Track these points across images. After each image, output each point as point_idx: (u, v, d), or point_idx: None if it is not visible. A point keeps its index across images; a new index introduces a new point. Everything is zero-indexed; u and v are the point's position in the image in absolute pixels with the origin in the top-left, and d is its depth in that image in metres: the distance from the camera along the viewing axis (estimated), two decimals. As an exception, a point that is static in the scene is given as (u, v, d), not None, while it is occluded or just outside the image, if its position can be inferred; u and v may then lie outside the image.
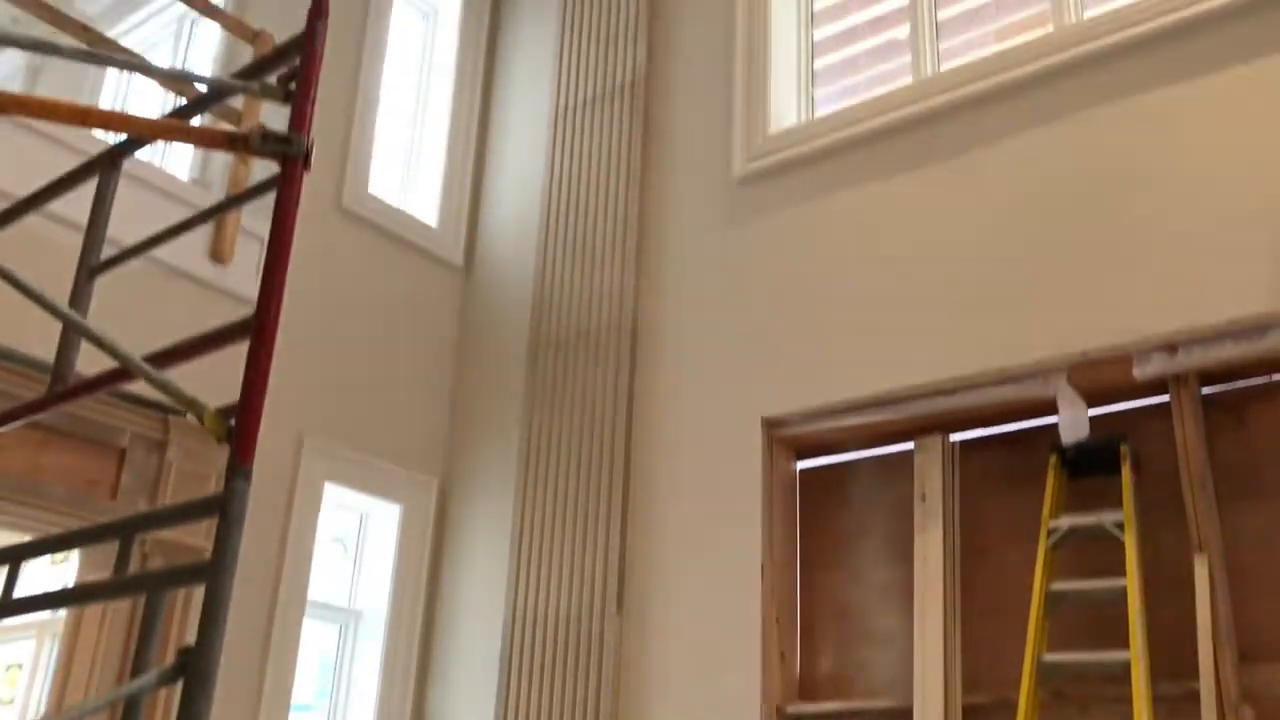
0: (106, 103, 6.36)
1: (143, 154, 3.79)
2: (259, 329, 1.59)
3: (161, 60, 6.44)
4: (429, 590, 5.16)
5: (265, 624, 4.48)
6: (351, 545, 5.22)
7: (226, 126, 4.18)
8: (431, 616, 5.15)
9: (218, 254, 4.57)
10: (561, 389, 5.02)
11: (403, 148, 5.85)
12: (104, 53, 2.38)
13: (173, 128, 1.76)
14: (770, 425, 4.42)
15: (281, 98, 1.66)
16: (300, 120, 1.64)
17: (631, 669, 4.47)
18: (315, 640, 4.95)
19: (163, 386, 1.56)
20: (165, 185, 4.51)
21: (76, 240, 2.12)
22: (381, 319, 5.26)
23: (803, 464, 4.51)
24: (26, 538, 5.31)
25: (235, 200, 1.86)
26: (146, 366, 1.59)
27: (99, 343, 1.61)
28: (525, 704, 4.61)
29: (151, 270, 4.29)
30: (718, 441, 4.53)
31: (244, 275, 4.66)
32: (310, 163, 1.66)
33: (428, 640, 5.10)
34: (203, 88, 3.01)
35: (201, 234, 4.58)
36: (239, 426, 1.53)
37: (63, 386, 1.89)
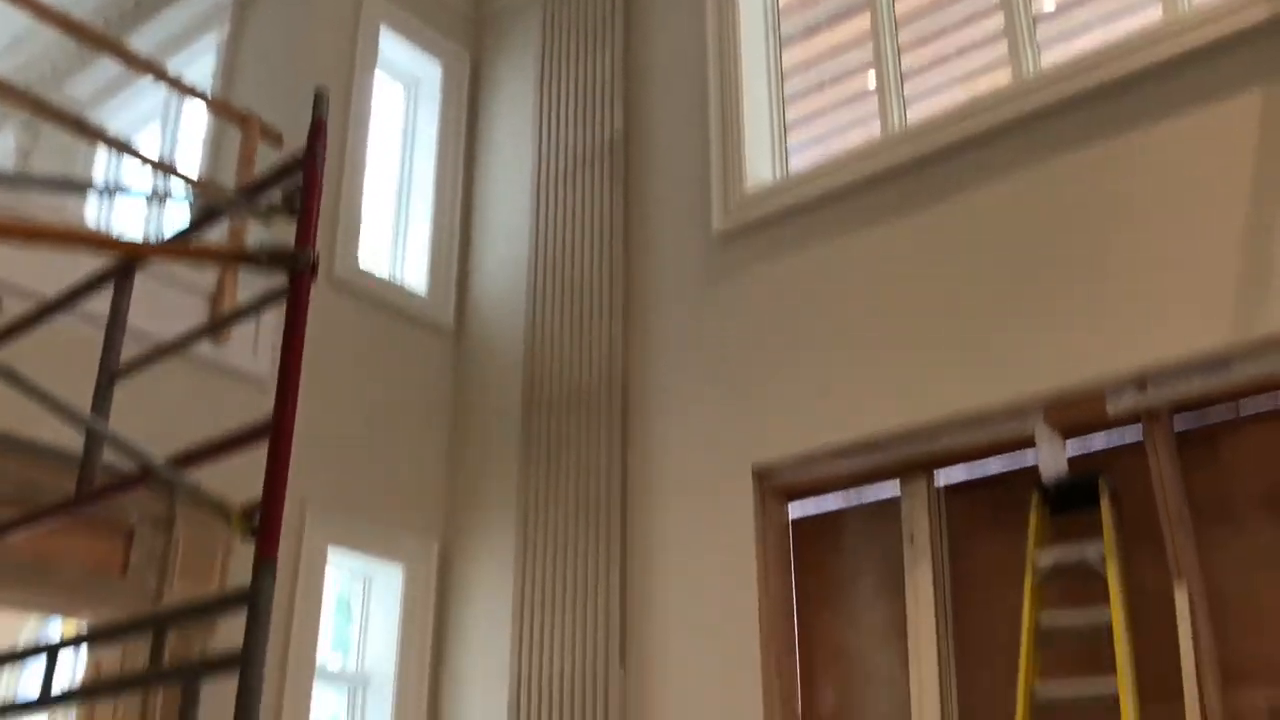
0: (97, 209, 6.48)
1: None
2: (276, 430, 1.71)
3: (150, 140, 6.60)
4: (434, 650, 5.25)
5: (276, 692, 4.56)
6: (356, 609, 5.31)
7: (224, 245, 4.31)
8: (438, 677, 5.23)
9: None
10: (555, 447, 5.14)
11: (389, 218, 6.00)
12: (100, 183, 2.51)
13: (182, 250, 1.88)
14: (760, 474, 4.55)
15: (286, 214, 1.79)
16: (305, 235, 1.77)
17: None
18: (324, 705, 5.03)
19: (190, 492, 1.68)
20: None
21: (90, 333, 2.23)
22: (377, 385, 5.38)
23: (795, 512, 4.63)
24: (35, 620, 5.40)
25: (247, 310, 1.98)
26: (173, 474, 1.71)
27: (127, 450, 1.73)
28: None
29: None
30: (710, 491, 4.65)
31: (242, 351, 4.79)
32: (317, 273, 1.80)
33: (435, 701, 5.18)
34: (201, 197, 3.14)
35: (198, 312, 4.70)
36: (263, 522, 1.65)
37: (89, 486, 2.01)
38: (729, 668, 4.36)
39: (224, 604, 1.65)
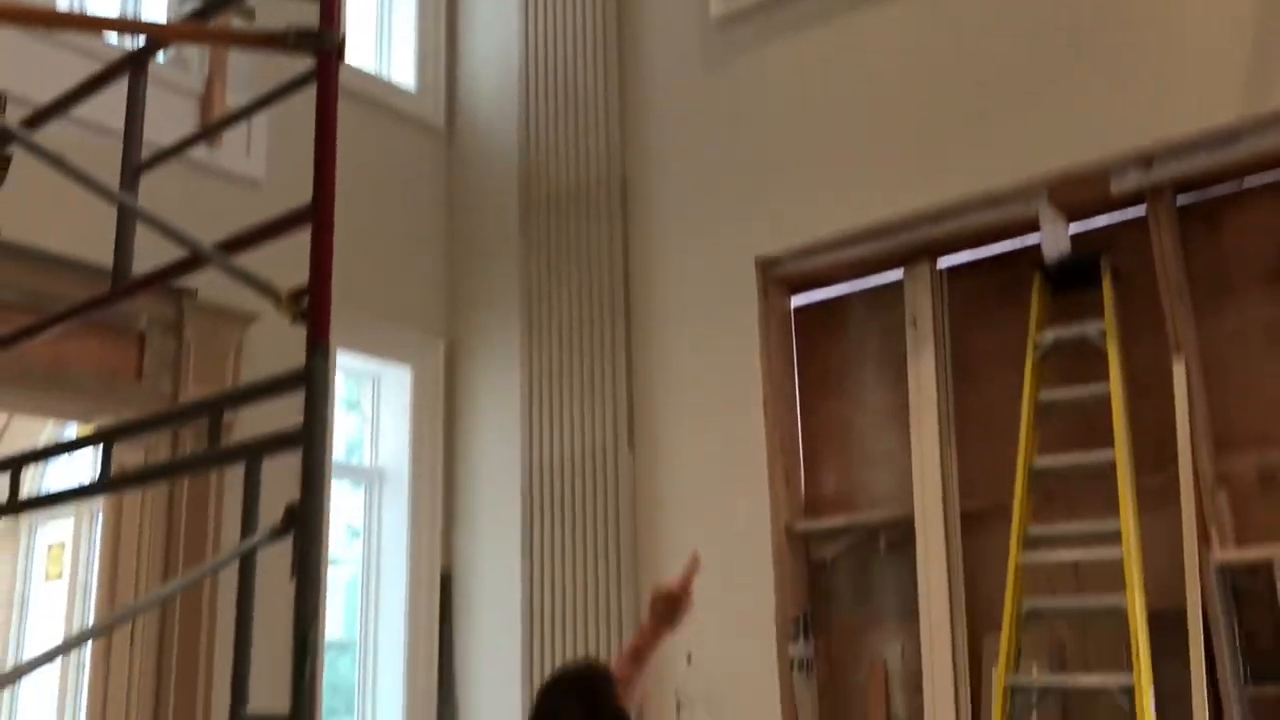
0: None
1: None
2: (317, 214, 1.72)
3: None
4: (446, 445, 5.39)
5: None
6: (367, 409, 5.42)
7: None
8: (452, 469, 5.39)
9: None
10: (556, 244, 5.14)
11: (374, 13, 5.81)
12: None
13: (207, 32, 1.84)
14: (764, 264, 4.58)
15: (306, -8, 1.74)
16: (330, 15, 1.73)
17: (646, 501, 4.73)
18: (342, 504, 5.19)
19: (238, 274, 1.70)
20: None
21: (101, 142, 2.19)
22: (370, 186, 5.32)
23: (797, 300, 4.69)
24: (53, 425, 5.49)
25: (272, 96, 1.95)
26: (220, 255, 1.72)
27: (173, 234, 1.73)
28: (548, 541, 4.89)
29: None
30: (714, 283, 4.70)
31: (235, 153, 4.71)
32: (344, 55, 1.76)
33: (450, 491, 5.36)
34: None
35: (190, 115, 4.61)
36: (312, 306, 1.67)
37: (124, 281, 2.02)
38: (735, 449, 4.50)
39: (281, 385, 1.69)
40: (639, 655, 2.43)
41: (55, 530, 5.75)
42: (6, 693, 5.43)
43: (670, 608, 2.45)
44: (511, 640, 4.95)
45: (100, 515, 4.80)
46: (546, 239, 5.18)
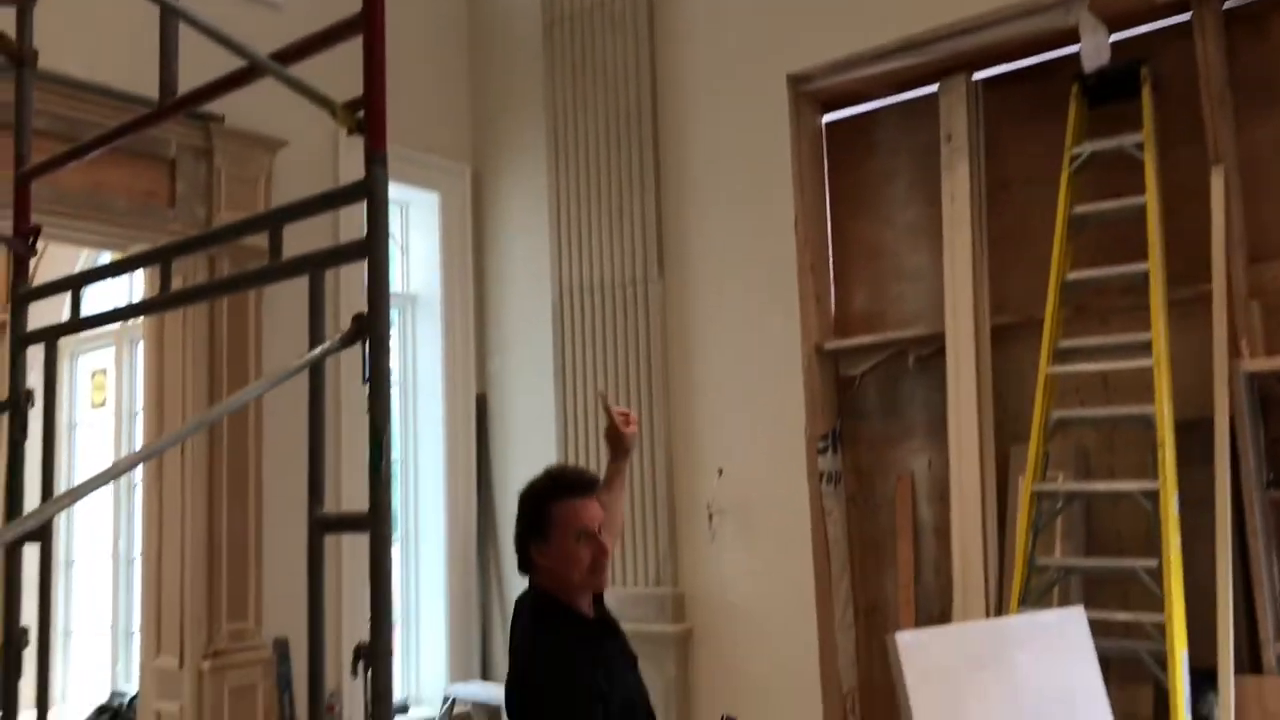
0: None
1: None
2: (368, 23, 1.71)
3: None
4: (476, 271, 5.43)
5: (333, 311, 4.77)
6: (397, 234, 5.44)
7: None
8: (482, 295, 5.45)
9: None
10: (580, 64, 5.06)
11: None
12: None
13: None
14: (795, 81, 4.50)
15: None
16: None
17: (676, 325, 4.79)
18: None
19: (295, 84, 1.70)
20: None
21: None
22: (391, 10, 5.19)
23: (828, 117, 4.63)
24: (90, 251, 5.53)
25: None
26: (278, 66, 1.72)
27: (226, 43, 1.73)
28: (579, 364, 4.98)
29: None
30: (744, 101, 4.63)
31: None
32: None
33: (481, 316, 5.44)
34: None
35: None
36: (368, 117, 1.68)
37: (172, 98, 2.01)
38: (765, 269, 4.53)
39: (342, 197, 1.71)
40: (610, 483, 2.65)
41: (97, 359, 5.87)
42: (63, 518, 5.65)
43: (615, 441, 2.70)
44: (546, 460, 5.10)
45: (141, 342, 4.89)
46: (570, 58, 5.09)
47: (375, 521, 1.64)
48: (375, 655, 1.64)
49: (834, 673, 4.31)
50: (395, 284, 5.41)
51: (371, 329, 1.66)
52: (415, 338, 5.37)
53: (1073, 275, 3.81)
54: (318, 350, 1.68)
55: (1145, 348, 3.57)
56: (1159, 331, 3.53)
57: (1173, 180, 3.77)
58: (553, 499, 2.36)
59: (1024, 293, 4.04)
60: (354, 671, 1.69)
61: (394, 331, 5.37)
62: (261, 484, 4.39)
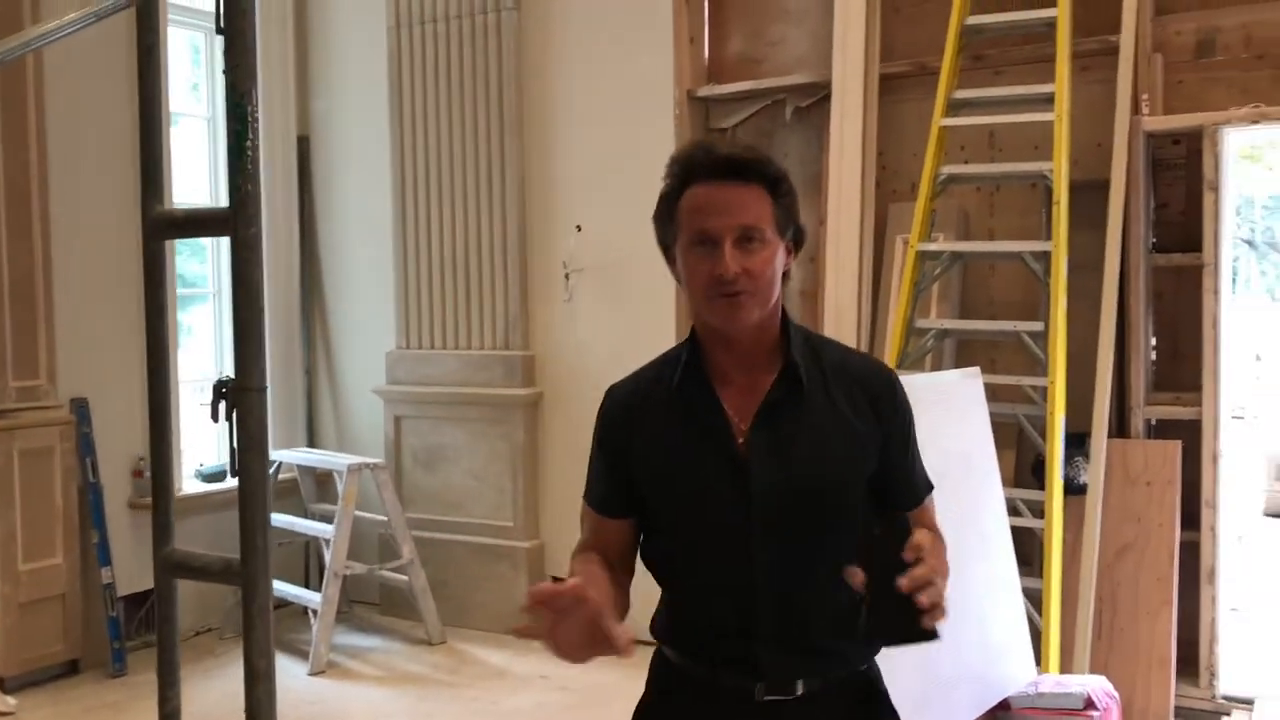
0: None
1: None
2: None
3: None
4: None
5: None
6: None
7: None
8: (304, 25, 4.80)
9: None
10: None
11: None
12: None
13: None
14: None
15: None
16: None
17: (532, 63, 4.31)
18: (180, 53, 4.56)
19: None
20: None
21: None
22: None
23: None
24: None
25: None
26: None
27: None
28: (419, 105, 4.46)
29: None
30: None
31: None
32: None
33: (303, 50, 4.81)
34: None
35: None
36: None
37: None
38: (633, 6, 4.09)
39: None
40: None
41: None
42: None
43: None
44: (382, 210, 4.62)
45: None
46: None
47: (240, 219, 1.24)
48: (243, 391, 1.27)
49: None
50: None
51: None
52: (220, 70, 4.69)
53: (973, 20, 3.53)
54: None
55: (1046, 101, 3.36)
56: (1063, 83, 3.31)
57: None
58: (685, 184, 1.35)
59: (919, 38, 3.75)
60: (214, 414, 1.32)
61: (199, 66, 4.70)
62: (49, 209, 3.74)
